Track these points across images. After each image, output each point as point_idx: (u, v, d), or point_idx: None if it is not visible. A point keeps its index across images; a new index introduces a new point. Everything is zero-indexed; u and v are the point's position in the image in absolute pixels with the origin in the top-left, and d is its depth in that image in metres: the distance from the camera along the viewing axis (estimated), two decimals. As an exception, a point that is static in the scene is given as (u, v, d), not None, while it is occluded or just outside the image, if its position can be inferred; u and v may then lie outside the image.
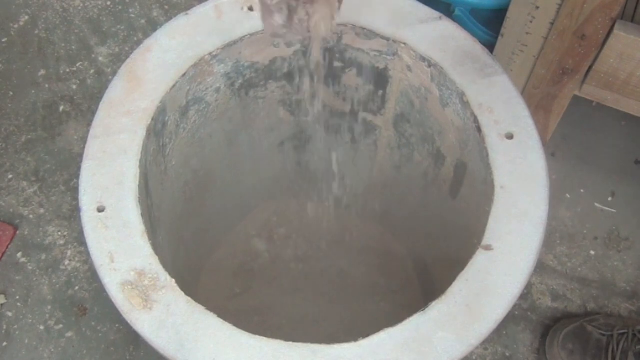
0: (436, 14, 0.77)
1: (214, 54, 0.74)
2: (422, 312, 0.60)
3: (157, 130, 0.72)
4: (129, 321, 0.59)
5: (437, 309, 0.60)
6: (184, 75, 0.72)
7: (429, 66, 0.76)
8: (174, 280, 0.61)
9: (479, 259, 0.63)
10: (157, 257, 0.62)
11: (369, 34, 0.77)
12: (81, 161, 0.67)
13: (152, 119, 0.70)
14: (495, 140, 0.69)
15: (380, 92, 0.86)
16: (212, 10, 0.76)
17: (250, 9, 0.76)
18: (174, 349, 0.58)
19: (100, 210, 0.64)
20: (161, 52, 0.73)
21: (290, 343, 0.58)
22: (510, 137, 0.70)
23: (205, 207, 0.96)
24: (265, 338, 0.58)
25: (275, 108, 0.90)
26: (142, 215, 0.64)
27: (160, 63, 0.72)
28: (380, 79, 0.83)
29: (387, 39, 0.77)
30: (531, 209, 0.66)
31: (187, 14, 0.75)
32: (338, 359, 0.58)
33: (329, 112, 0.92)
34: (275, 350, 0.58)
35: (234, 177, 0.98)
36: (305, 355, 0.58)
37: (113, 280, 0.61)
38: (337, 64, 0.83)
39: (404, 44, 0.76)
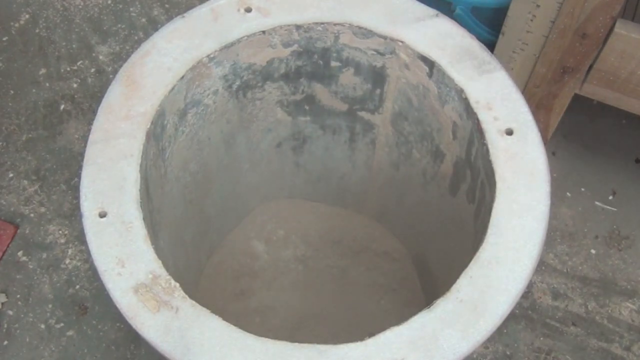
0: (433, 11, 0.77)
1: (212, 56, 0.74)
2: (427, 310, 0.61)
3: (156, 134, 0.72)
4: (134, 326, 0.59)
5: (442, 306, 0.61)
6: (181, 78, 0.72)
7: (427, 64, 0.76)
8: (178, 284, 0.61)
9: (482, 255, 0.63)
10: (160, 262, 0.62)
11: (366, 32, 0.77)
12: (82, 160, 0.67)
13: (152, 123, 0.70)
14: (495, 136, 0.69)
15: (378, 91, 0.86)
16: (209, 12, 0.76)
17: (247, 10, 0.76)
18: (180, 353, 0.58)
19: (102, 215, 0.64)
20: (159, 55, 0.73)
21: (296, 344, 0.59)
22: (509, 133, 0.70)
23: (204, 210, 0.96)
24: (271, 340, 0.59)
25: (272, 109, 0.90)
26: (144, 219, 0.65)
27: (158, 67, 0.72)
28: (378, 77, 0.83)
29: (385, 38, 0.77)
30: (533, 204, 0.66)
31: (183, 16, 0.75)
32: (345, 358, 0.58)
33: (326, 111, 0.92)
34: (281, 352, 0.58)
35: (232, 178, 0.98)
36: (311, 356, 0.58)
37: (117, 286, 0.61)
38: (334, 63, 0.83)
39: (401, 42, 0.76)
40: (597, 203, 1.20)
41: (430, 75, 0.76)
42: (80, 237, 1.14)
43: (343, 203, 1.11)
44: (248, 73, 0.81)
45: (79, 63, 1.32)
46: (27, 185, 1.19)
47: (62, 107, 1.27)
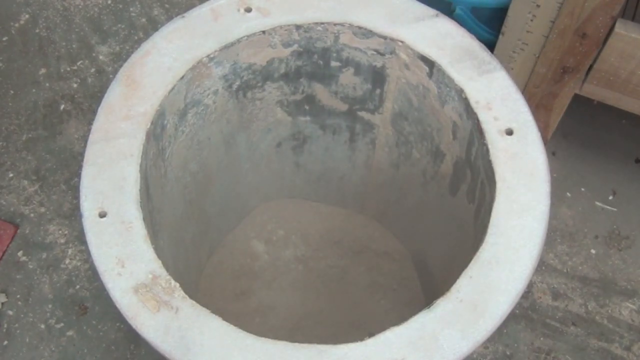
0: (432, 11, 0.77)
1: (212, 56, 0.74)
2: (427, 310, 0.61)
3: (156, 134, 0.72)
4: (134, 326, 0.59)
5: (442, 306, 0.61)
6: (181, 78, 0.73)
7: (427, 64, 0.76)
8: (178, 284, 0.61)
9: (482, 255, 0.63)
10: (160, 262, 0.62)
11: (366, 32, 0.77)
12: (82, 160, 0.67)
13: (152, 123, 0.70)
14: (495, 136, 0.69)
15: (378, 91, 0.86)
16: (209, 12, 0.76)
17: (247, 10, 0.76)
18: (180, 353, 0.58)
19: (102, 215, 0.64)
20: (159, 55, 0.73)
21: (296, 344, 0.59)
22: (509, 133, 0.70)
23: (205, 210, 0.96)
24: (271, 340, 0.59)
25: (272, 109, 0.90)
26: (144, 219, 0.65)
27: (158, 67, 0.72)
28: (378, 77, 0.83)
29: (384, 38, 0.77)
30: (533, 204, 0.66)
31: (183, 16, 0.75)
32: (345, 358, 0.58)
33: (326, 111, 0.92)
34: (281, 352, 0.58)
35: (232, 178, 0.98)
36: (311, 356, 0.58)
37: (117, 286, 0.61)
38: (334, 63, 0.83)
39: (401, 42, 0.76)
40: (597, 203, 1.20)
41: (430, 75, 0.76)
42: (80, 237, 1.14)
43: (343, 203, 1.11)
44: (248, 73, 0.81)
45: (79, 63, 1.32)
46: (27, 185, 1.19)
47: (62, 107, 1.27)
